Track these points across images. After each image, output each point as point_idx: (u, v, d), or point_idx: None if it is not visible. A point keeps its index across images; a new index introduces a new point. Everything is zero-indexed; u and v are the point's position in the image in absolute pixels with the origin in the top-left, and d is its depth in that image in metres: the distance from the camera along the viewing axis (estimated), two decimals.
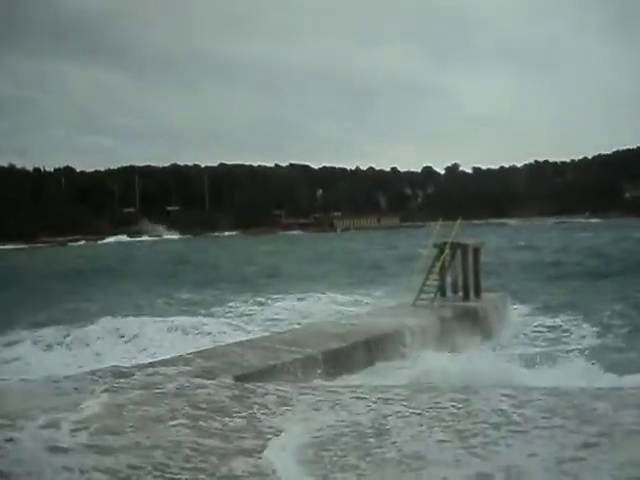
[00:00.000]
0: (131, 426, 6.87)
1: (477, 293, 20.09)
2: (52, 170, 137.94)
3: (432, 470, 5.95)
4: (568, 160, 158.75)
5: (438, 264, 19.18)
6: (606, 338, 16.77)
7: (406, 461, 6.13)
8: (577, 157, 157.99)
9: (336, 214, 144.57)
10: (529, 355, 13.85)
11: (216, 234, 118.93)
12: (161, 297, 27.18)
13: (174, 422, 7.10)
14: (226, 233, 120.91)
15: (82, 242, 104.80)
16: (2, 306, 23.78)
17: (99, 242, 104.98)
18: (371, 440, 6.72)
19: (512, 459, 6.08)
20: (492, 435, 6.79)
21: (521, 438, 6.67)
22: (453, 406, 7.93)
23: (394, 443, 6.61)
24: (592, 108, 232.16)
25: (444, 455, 6.31)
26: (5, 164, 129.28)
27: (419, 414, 7.62)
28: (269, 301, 25.27)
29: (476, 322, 17.62)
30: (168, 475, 5.64)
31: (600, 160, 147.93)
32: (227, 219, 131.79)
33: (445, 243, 19.39)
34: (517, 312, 21.49)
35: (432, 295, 18.73)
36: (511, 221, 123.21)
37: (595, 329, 17.90)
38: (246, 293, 27.51)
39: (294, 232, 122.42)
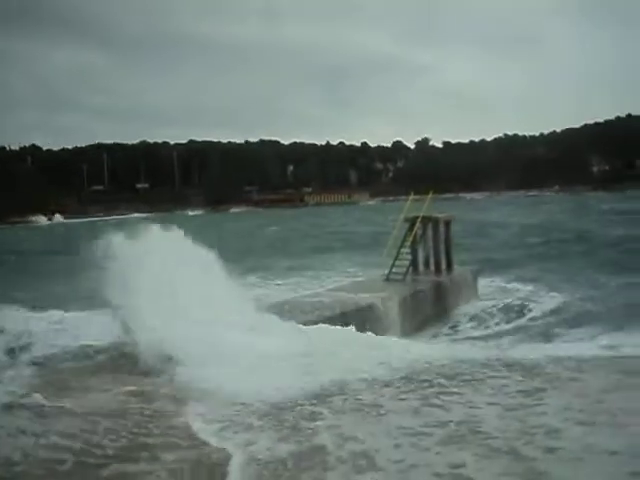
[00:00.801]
0: None
1: (449, 267, 20.08)
2: (17, 149, 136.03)
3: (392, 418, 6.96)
4: (537, 134, 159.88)
5: (410, 238, 19.12)
6: None
7: None
8: (546, 131, 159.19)
9: (307, 190, 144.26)
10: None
11: (189, 212, 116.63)
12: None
13: None
14: (192, 212, 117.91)
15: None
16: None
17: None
18: None
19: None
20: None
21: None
22: None
23: None
24: (561, 82, 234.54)
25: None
26: None
27: None
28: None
29: (445, 296, 17.77)
30: None
31: (569, 134, 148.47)
32: (198, 196, 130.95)
33: (416, 217, 19.33)
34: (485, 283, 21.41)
35: (404, 269, 18.68)
36: (479, 195, 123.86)
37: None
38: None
39: (268, 209, 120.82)
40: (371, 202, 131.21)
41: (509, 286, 20.65)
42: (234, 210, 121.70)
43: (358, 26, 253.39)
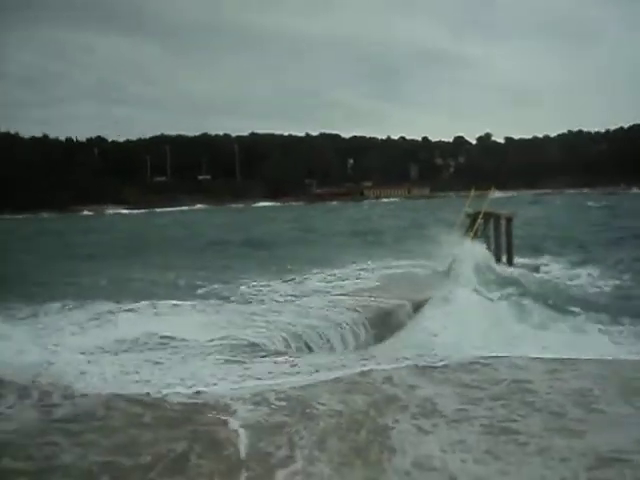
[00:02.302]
0: None
1: (509, 262, 19.97)
2: (84, 140, 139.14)
3: None
4: (603, 130, 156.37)
5: (471, 234, 19.08)
6: None
7: None
8: (612, 127, 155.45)
9: (366, 184, 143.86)
10: None
11: (253, 205, 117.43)
12: None
13: None
14: (261, 204, 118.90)
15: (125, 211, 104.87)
16: None
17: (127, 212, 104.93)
18: None
19: None
20: None
21: None
22: None
23: None
24: (627, 77, 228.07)
25: None
26: (39, 134, 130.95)
27: None
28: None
29: None
30: None
31: (636, 130, 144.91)
32: (258, 188, 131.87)
33: (478, 213, 19.27)
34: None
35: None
36: (541, 192, 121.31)
37: None
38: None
39: (333, 203, 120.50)
40: (431, 196, 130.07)
41: None
42: (294, 203, 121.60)
43: (414, 19, 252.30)
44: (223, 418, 5.34)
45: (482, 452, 4.48)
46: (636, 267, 20.25)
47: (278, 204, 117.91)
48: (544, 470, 4.18)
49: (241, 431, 5.03)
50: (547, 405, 5.38)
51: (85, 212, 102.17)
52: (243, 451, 4.67)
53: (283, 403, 5.74)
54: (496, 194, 20.76)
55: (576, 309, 14.13)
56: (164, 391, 6.23)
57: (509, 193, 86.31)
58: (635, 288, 17.28)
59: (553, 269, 20.85)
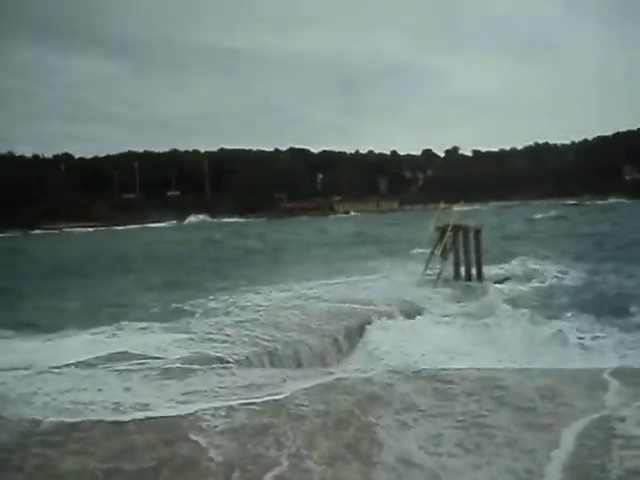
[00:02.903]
0: None
1: (479, 276, 20.10)
2: (51, 157, 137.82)
3: None
4: (568, 142, 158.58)
5: (440, 247, 19.22)
6: None
7: None
8: (577, 139, 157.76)
9: (336, 198, 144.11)
10: None
11: (224, 219, 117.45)
12: None
13: None
14: (225, 219, 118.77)
15: (90, 229, 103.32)
16: None
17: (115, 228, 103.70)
18: None
19: None
20: None
21: None
22: None
23: None
24: (592, 90, 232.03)
25: None
26: (4, 151, 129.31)
27: None
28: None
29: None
30: None
31: (601, 142, 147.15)
32: (227, 204, 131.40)
33: (447, 226, 19.42)
34: None
35: (435, 278, 18.77)
36: (510, 203, 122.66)
37: None
38: None
39: (302, 217, 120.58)
40: (399, 210, 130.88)
41: None
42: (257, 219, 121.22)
43: (381, 33, 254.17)
44: None
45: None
46: None
47: (249, 220, 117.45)
48: None
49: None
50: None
51: (54, 230, 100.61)
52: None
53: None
54: (463, 207, 20.85)
55: None
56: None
57: (476, 206, 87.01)
58: None
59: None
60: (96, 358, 9.43)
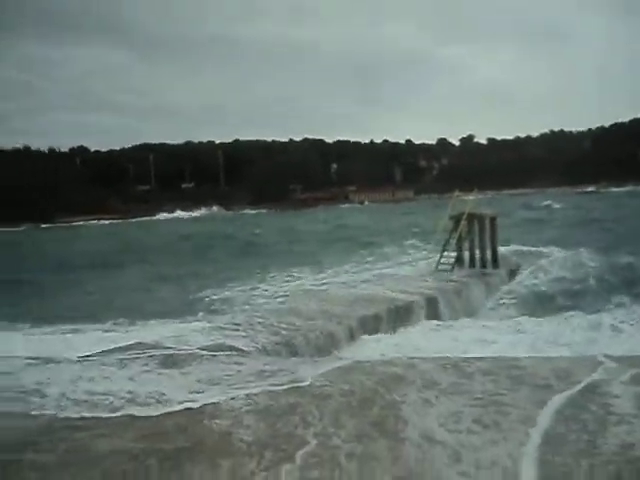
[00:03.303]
0: None
1: (494, 262, 20.02)
2: (67, 150, 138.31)
3: None
4: (584, 129, 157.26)
5: (455, 235, 19.14)
6: None
7: None
8: (594, 126, 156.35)
9: (351, 188, 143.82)
10: None
11: (243, 211, 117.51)
12: None
13: None
14: (245, 211, 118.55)
15: (106, 222, 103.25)
16: None
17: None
18: None
19: None
20: None
21: None
22: None
23: None
24: (608, 77, 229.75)
25: None
26: (20, 146, 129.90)
27: None
28: None
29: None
30: None
31: (617, 129, 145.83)
32: (242, 195, 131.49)
33: (462, 214, 19.32)
34: None
35: (450, 267, 18.69)
36: (525, 191, 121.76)
37: None
38: None
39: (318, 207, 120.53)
40: (415, 199, 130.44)
41: None
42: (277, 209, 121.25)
43: (395, 22, 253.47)
44: None
45: None
46: None
47: (263, 210, 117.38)
48: None
49: None
50: None
51: (70, 224, 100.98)
52: None
53: None
54: (478, 195, 20.73)
55: None
56: None
57: (489, 194, 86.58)
58: None
59: None
60: (120, 348, 9.46)
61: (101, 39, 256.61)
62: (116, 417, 5.56)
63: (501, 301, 17.02)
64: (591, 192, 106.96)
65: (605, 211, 51.63)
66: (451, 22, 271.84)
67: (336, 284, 20.83)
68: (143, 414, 5.59)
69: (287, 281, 23.69)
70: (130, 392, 6.33)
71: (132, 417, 5.53)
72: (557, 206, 63.07)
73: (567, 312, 15.11)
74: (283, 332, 11.08)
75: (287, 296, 19.84)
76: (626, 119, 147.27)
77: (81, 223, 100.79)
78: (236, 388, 6.27)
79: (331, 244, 38.16)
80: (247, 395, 5.93)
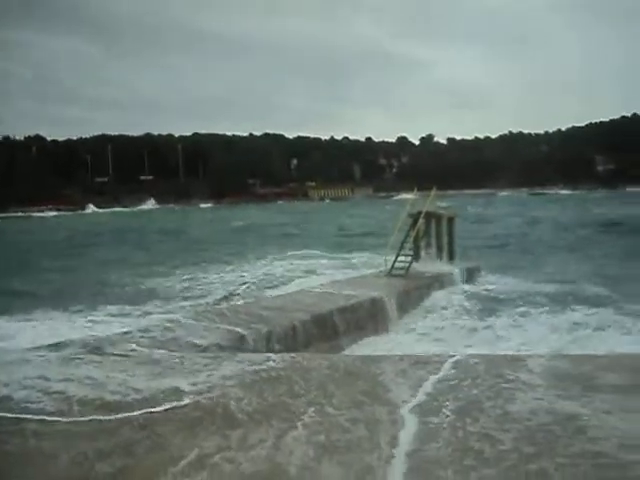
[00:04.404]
0: None
1: (451, 261, 20.14)
2: (22, 139, 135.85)
3: None
4: (542, 132, 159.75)
5: (412, 234, 19.19)
6: None
7: None
8: (551, 129, 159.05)
9: (310, 184, 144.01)
10: None
11: (201, 205, 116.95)
12: None
13: None
14: (203, 205, 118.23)
15: (55, 213, 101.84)
16: None
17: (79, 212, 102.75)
18: None
19: None
20: None
21: None
22: None
23: None
24: (566, 81, 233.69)
25: None
26: None
27: None
28: None
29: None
30: None
31: (574, 132, 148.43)
32: (201, 189, 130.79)
33: (419, 213, 19.37)
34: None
35: (407, 265, 18.75)
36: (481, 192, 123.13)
37: None
38: None
39: (279, 202, 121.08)
40: (373, 196, 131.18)
41: None
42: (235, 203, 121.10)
43: (358, 20, 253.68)
44: None
45: None
46: None
47: (221, 205, 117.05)
48: None
49: None
50: None
51: (24, 214, 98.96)
52: None
53: None
54: (434, 195, 20.80)
55: None
56: None
57: (449, 193, 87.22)
58: None
59: None
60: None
61: (64, 27, 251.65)
62: None
63: None
64: (539, 194, 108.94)
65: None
66: (419, 23, 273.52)
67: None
68: None
69: None
70: None
71: None
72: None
73: None
74: None
75: None
76: (582, 123, 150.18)
77: (36, 214, 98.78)
78: None
79: None
80: None
